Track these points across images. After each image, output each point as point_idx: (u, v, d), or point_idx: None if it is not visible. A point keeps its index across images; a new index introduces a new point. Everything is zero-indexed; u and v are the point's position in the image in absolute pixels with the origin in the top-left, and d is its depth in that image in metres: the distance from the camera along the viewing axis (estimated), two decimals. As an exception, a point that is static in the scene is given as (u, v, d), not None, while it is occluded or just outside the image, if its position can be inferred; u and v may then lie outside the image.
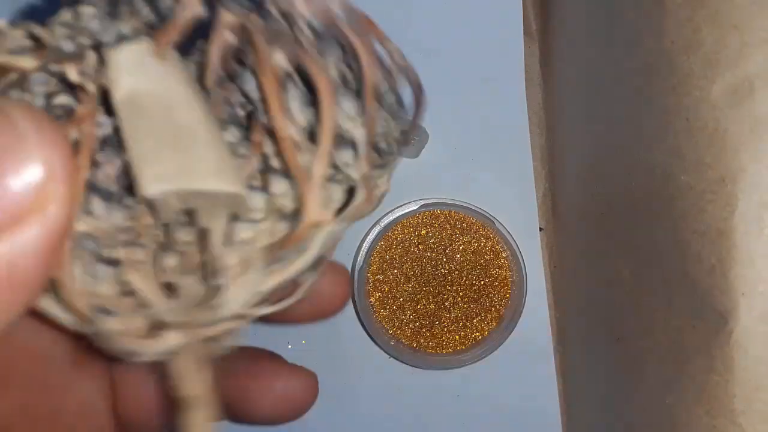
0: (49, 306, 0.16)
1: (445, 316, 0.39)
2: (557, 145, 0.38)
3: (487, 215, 0.38)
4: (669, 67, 0.24)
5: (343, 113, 0.16)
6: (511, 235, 0.38)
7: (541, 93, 0.39)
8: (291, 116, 0.16)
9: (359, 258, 0.39)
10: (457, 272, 0.39)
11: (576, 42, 0.35)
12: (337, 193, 0.17)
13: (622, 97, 0.29)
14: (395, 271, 0.39)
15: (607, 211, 0.32)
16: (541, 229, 0.40)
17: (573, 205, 0.37)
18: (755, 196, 0.22)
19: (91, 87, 0.16)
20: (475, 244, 0.39)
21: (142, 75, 0.15)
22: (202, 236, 0.16)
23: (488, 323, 0.39)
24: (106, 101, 0.16)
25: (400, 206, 0.39)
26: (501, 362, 0.40)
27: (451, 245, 0.39)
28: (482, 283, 0.39)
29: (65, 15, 0.16)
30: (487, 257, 0.39)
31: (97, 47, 0.16)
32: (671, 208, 0.25)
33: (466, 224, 0.39)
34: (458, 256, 0.39)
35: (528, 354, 0.40)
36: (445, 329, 0.39)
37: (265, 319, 0.23)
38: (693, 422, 0.24)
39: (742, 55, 0.22)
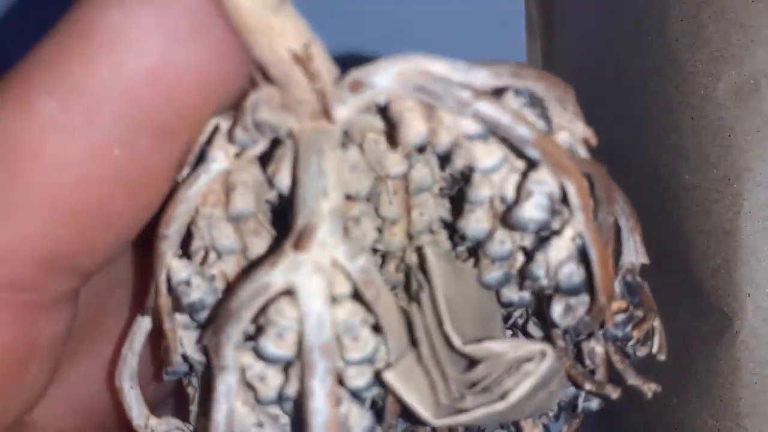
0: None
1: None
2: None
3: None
4: (673, 65, 0.24)
5: None
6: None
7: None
8: None
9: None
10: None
11: (579, 39, 0.34)
12: None
13: (625, 96, 0.29)
14: (396, 272, 0.39)
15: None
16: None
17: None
18: (761, 195, 0.22)
19: None
20: (477, 245, 0.39)
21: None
22: None
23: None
24: None
25: (401, 207, 0.38)
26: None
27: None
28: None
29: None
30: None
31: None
32: (676, 208, 0.25)
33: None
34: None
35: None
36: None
37: None
38: (698, 425, 0.24)
39: (747, 53, 0.22)
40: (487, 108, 0.13)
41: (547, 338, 0.16)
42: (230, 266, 0.15)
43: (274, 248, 0.14)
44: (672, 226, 0.25)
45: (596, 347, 0.16)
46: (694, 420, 0.24)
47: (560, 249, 0.14)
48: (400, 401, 0.14)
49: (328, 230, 0.13)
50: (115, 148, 0.12)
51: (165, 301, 0.15)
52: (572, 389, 0.17)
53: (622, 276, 0.16)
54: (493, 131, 0.13)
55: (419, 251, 0.16)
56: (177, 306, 0.15)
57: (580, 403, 0.17)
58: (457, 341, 0.14)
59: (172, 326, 0.15)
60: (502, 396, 0.14)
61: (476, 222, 0.15)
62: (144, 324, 0.16)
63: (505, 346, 0.14)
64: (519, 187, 0.14)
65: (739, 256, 0.22)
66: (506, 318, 0.17)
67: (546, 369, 0.14)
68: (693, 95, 0.23)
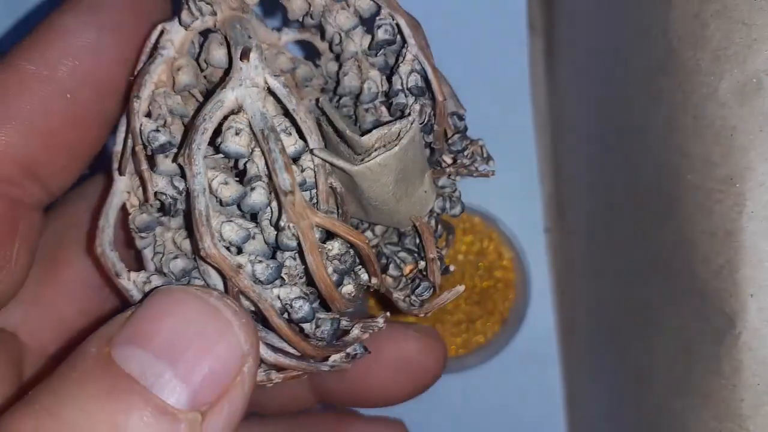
0: None
1: (446, 319, 0.39)
2: (563, 144, 0.38)
3: (491, 215, 0.38)
4: (675, 63, 0.24)
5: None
6: (515, 236, 0.38)
7: (545, 90, 0.39)
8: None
9: (361, 259, 0.39)
10: (459, 274, 0.39)
11: (581, 38, 0.34)
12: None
13: (628, 95, 0.29)
14: (397, 272, 0.39)
15: (613, 211, 0.32)
16: (547, 230, 0.40)
17: (579, 205, 0.37)
18: (764, 195, 0.22)
19: None
20: (478, 245, 0.39)
21: None
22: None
23: (491, 326, 0.39)
24: None
25: (403, 207, 0.39)
26: (504, 366, 0.39)
27: (453, 246, 0.39)
28: (485, 284, 0.39)
29: None
30: (491, 258, 0.39)
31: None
32: (678, 208, 0.25)
33: (469, 224, 0.39)
34: (460, 257, 0.39)
35: (532, 357, 0.39)
36: (447, 332, 0.39)
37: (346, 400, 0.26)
38: (700, 427, 0.24)
39: (750, 52, 0.22)
40: None
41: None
42: (177, 129, 0.21)
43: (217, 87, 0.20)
44: (674, 226, 0.25)
45: (446, 158, 0.23)
46: (696, 421, 0.24)
47: (406, 66, 0.21)
48: (330, 187, 0.20)
49: (257, 57, 0.19)
50: (67, 93, 0.20)
51: (140, 148, 0.20)
52: (440, 202, 0.23)
53: (450, 114, 0.23)
54: None
55: (317, 104, 0.22)
56: (149, 150, 0.20)
57: (448, 209, 0.23)
58: (356, 135, 0.20)
59: (147, 167, 0.20)
60: (395, 144, 0.20)
61: (350, 80, 0.22)
62: (114, 201, 0.21)
63: (388, 126, 0.20)
64: (373, 27, 0.21)
65: (741, 256, 0.22)
66: None
67: (417, 126, 0.21)
68: (695, 94, 0.23)
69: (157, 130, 0.20)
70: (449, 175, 0.23)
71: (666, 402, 0.27)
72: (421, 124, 0.21)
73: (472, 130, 0.39)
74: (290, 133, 0.19)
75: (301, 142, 0.20)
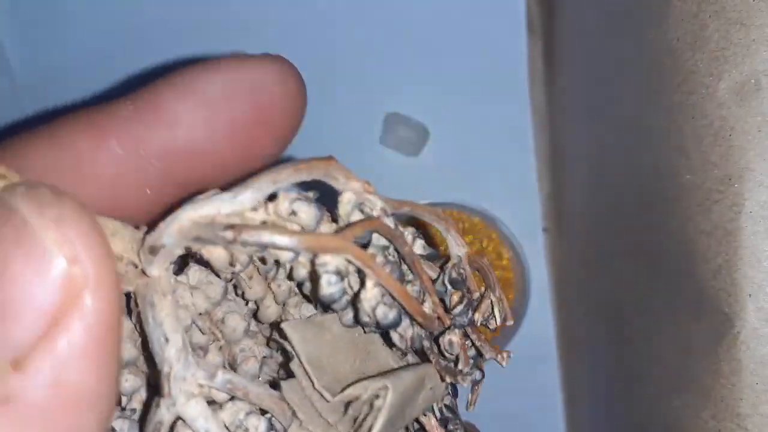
0: None
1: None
2: (561, 144, 0.38)
3: (490, 215, 0.38)
4: (674, 64, 0.24)
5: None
6: (514, 236, 0.38)
7: (544, 91, 0.39)
8: None
9: (360, 259, 0.38)
10: (458, 273, 0.39)
11: (580, 39, 0.34)
12: None
13: (626, 95, 0.29)
14: (397, 272, 0.39)
15: (612, 211, 0.32)
16: (545, 230, 0.40)
17: (578, 205, 0.37)
18: (762, 195, 0.22)
19: None
20: (478, 245, 0.39)
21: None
22: None
23: (490, 325, 0.39)
24: None
25: (402, 207, 0.39)
26: (503, 365, 0.39)
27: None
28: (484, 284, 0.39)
29: None
30: (490, 258, 0.39)
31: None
32: (677, 208, 0.25)
33: (468, 224, 0.39)
34: (460, 256, 0.39)
35: (531, 357, 0.39)
36: (447, 331, 0.39)
37: None
38: (699, 426, 0.24)
39: (749, 52, 0.22)
40: (248, 237, 0.16)
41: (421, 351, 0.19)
42: (138, 402, 0.19)
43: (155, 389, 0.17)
44: (673, 226, 0.25)
45: (452, 338, 0.19)
46: (695, 421, 0.24)
47: (369, 299, 0.17)
48: None
49: (182, 368, 0.16)
50: (147, 189, 0.19)
51: None
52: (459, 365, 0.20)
53: (448, 273, 0.19)
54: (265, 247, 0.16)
55: (278, 330, 0.19)
56: None
57: (466, 379, 0.20)
58: (327, 396, 0.17)
59: None
60: None
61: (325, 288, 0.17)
62: None
63: (358, 390, 0.17)
64: (310, 272, 0.17)
65: (740, 256, 0.22)
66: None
67: (391, 400, 0.17)
68: (694, 95, 0.23)
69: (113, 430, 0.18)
70: (460, 372, 0.19)
71: (665, 401, 0.27)
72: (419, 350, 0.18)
73: (472, 131, 0.39)
74: (247, 429, 0.17)
75: (263, 427, 0.17)
